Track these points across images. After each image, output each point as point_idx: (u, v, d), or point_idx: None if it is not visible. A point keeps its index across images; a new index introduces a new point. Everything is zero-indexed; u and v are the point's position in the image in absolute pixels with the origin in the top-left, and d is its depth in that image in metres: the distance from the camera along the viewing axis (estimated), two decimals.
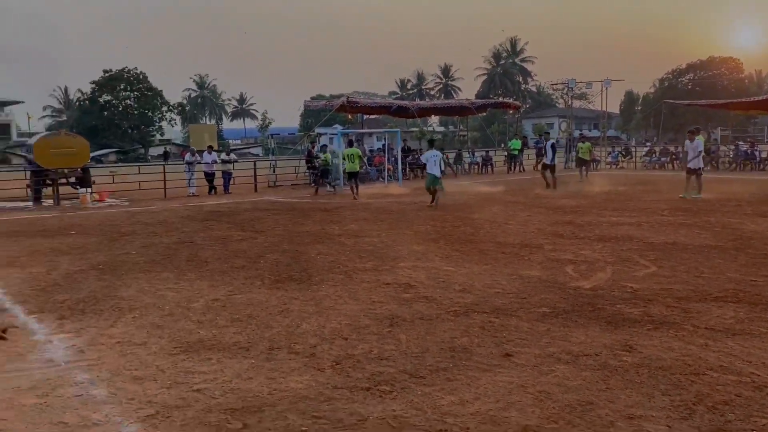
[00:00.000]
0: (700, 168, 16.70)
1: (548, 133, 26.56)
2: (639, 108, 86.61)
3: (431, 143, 18.72)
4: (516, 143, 33.37)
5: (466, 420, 3.84)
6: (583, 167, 24.63)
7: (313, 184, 23.59)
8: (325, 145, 26.34)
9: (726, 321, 5.73)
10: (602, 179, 23.71)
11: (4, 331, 6.67)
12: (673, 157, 31.33)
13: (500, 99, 61.78)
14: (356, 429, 3.77)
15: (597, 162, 32.75)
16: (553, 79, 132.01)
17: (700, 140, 17.44)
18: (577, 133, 39.16)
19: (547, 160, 21.18)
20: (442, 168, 16.78)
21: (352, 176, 19.62)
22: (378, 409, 4.03)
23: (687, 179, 16.84)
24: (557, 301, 6.52)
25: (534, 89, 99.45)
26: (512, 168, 32.27)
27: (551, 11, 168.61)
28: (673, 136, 59.00)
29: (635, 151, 35.85)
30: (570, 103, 43.34)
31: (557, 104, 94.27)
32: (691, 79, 77.95)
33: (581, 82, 37.58)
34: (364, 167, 26.76)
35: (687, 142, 17.25)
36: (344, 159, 20.19)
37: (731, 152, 30.46)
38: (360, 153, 20.55)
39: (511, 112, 44.34)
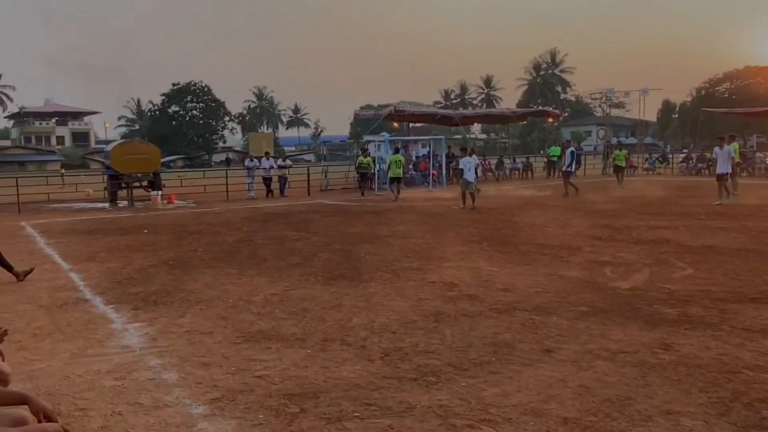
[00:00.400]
0: (727, 173, 15.94)
1: (569, 141, 25.85)
2: (676, 116, 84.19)
3: (464, 150, 19.54)
4: (555, 150, 32.83)
5: (509, 411, 3.82)
6: (620, 174, 23.91)
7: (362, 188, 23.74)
8: (365, 150, 26.39)
9: (762, 322, 5.53)
10: (639, 185, 23.16)
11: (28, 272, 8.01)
12: (710, 163, 30.32)
13: (540, 108, 60.88)
14: (404, 416, 3.78)
15: (634, 168, 31.98)
16: (591, 88, 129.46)
17: (731, 147, 16.60)
18: (614, 141, 38.31)
19: (565, 167, 20.55)
20: (477, 173, 17.46)
21: (395, 180, 20.33)
22: (425, 399, 4.04)
23: (719, 186, 16.06)
24: (596, 301, 6.41)
25: (573, 98, 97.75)
26: (551, 173, 31.77)
27: (590, 24, 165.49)
28: (709, 143, 57.06)
29: (672, 158, 34.86)
30: (608, 111, 42.39)
31: (595, 112, 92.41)
32: (727, 88, 75.36)
33: (619, 92, 36.72)
34: (409, 172, 26.94)
35: (716, 149, 16.48)
36: (391, 164, 20.77)
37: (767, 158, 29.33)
38: (404, 160, 20.98)
39: (550, 120, 43.58)
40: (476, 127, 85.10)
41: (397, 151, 21.91)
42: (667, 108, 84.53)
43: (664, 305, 6.17)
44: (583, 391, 4.09)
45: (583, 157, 35.27)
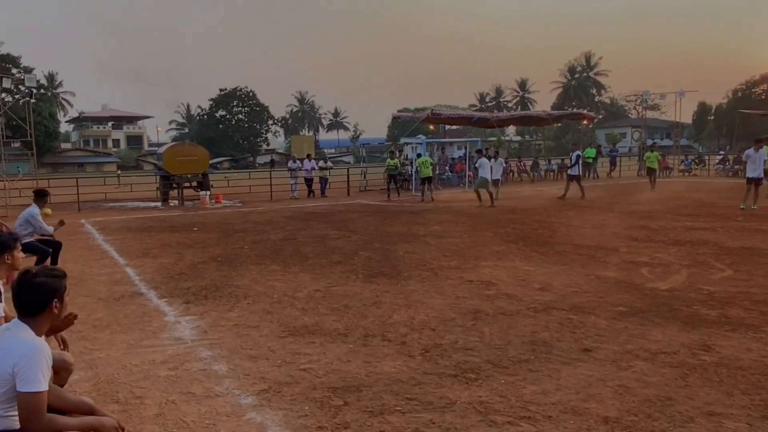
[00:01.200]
0: (761, 178, 14.48)
1: (576, 144, 24.96)
2: (711, 118, 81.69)
3: (479, 152, 19.66)
4: (591, 152, 32.20)
5: (548, 409, 3.74)
6: (652, 176, 22.76)
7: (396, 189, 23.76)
8: (392, 152, 26.41)
9: None
10: (675, 186, 22.53)
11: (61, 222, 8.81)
12: (743, 161, 29.37)
13: (575, 110, 59.78)
14: (445, 411, 3.75)
15: (670, 170, 31.14)
16: (626, 90, 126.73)
17: (765, 151, 15.07)
18: (650, 142, 37.37)
19: (572, 171, 19.59)
20: (500, 175, 19.03)
21: (426, 180, 20.22)
22: (465, 395, 3.99)
23: (747, 189, 14.60)
24: (634, 301, 6.24)
25: (607, 101, 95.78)
26: (587, 175, 31.17)
27: (625, 26, 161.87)
28: (745, 145, 55.25)
29: (708, 160, 33.83)
30: (643, 113, 41.33)
31: (630, 115, 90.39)
32: (764, 89, 72.75)
33: (655, 94, 35.82)
34: (446, 174, 26.95)
35: (750, 150, 15.00)
36: (419, 167, 20.84)
37: None
38: (431, 160, 21.13)
39: (584, 122, 42.78)
40: (511, 129, 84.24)
41: (420, 154, 22.57)
42: (702, 110, 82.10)
43: (703, 306, 5.97)
44: (623, 390, 3.99)
45: (618, 159, 34.58)
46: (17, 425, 2.65)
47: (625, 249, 9.35)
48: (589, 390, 4.01)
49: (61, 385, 3.43)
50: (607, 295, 6.54)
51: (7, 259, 3.87)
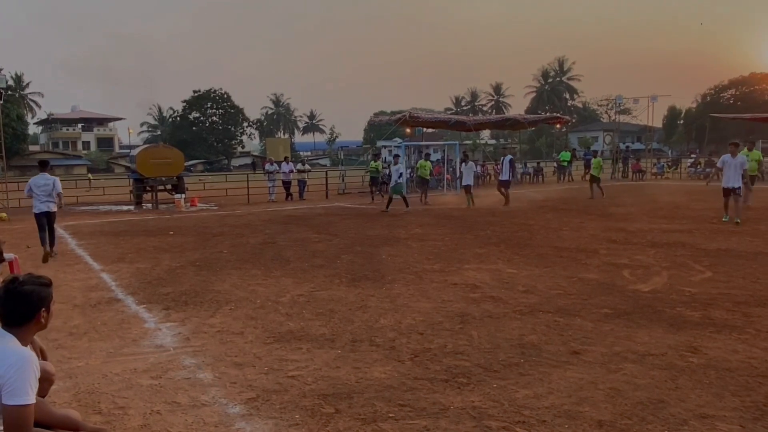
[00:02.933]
0: (739, 187, 12.35)
1: (505, 148, 24.85)
2: (681, 122, 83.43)
3: (397, 157, 19.13)
4: (565, 155, 32.64)
5: (542, 413, 3.72)
6: (594, 184, 20.32)
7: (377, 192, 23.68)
8: (375, 155, 26.55)
9: None
10: (649, 189, 22.90)
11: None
12: (718, 168, 30.04)
13: (550, 114, 60.48)
14: (439, 417, 3.70)
15: (642, 173, 31.66)
16: (597, 95, 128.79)
17: (744, 156, 13.34)
18: (623, 146, 37.98)
19: (503, 177, 18.52)
20: (470, 180, 18.62)
21: (422, 183, 20.44)
22: (458, 400, 3.95)
23: (725, 202, 12.58)
24: (618, 303, 6.28)
25: (580, 105, 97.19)
26: (561, 178, 31.56)
27: (597, 31, 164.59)
28: (714, 149, 56.57)
29: (680, 163, 34.50)
30: (616, 118, 42.02)
31: (601, 119, 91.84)
32: (733, 94, 74.57)
33: (628, 98, 36.39)
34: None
35: (726, 157, 12.74)
36: (419, 169, 21.20)
37: None
38: (431, 165, 21.19)
39: (558, 126, 43.31)
40: (485, 133, 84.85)
41: (428, 156, 22.54)
42: (672, 114, 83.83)
43: (686, 308, 6.03)
44: (615, 393, 3.98)
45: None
46: None
47: (604, 251, 9.43)
48: (581, 393, 4.00)
49: (43, 396, 3.29)
50: (590, 297, 6.57)
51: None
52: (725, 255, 8.91)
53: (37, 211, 10.46)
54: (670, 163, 33.91)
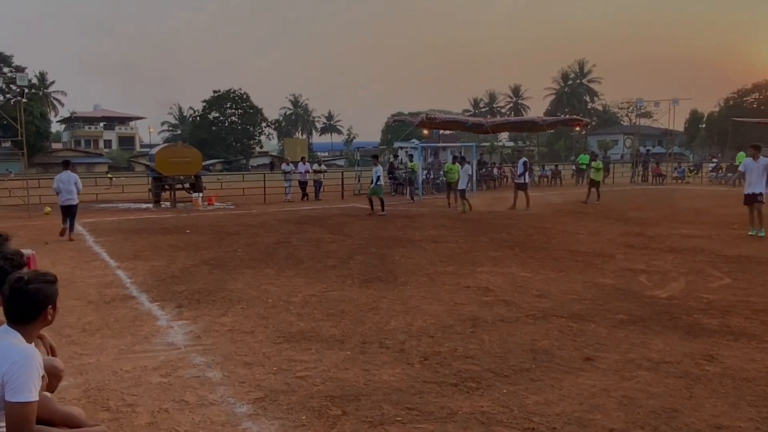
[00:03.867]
0: (762, 194, 11.27)
1: (519, 150, 24.11)
2: (703, 126, 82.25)
3: (376, 158, 18.52)
4: (584, 158, 32.28)
5: (552, 420, 3.65)
6: (593, 188, 19.83)
7: (394, 193, 23.65)
8: (411, 155, 26.27)
9: None
10: (669, 194, 22.58)
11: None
12: (741, 173, 29.58)
13: (569, 116, 59.98)
14: (447, 422, 3.65)
15: (663, 177, 31.26)
16: (618, 98, 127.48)
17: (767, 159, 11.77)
18: (643, 150, 37.50)
19: (519, 180, 18.18)
20: (465, 184, 17.55)
21: (449, 187, 18.94)
22: (466, 404, 3.90)
23: (750, 211, 11.46)
24: (633, 309, 6.17)
25: (600, 108, 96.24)
26: (580, 181, 31.23)
27: (618, 33, 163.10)
28: (736, 154, 55.67)
29: (701, 167, 33.99)
30: (636, 121, 41.50)
31: (622, 122, 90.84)
32: (756, 98, 73.30)
33: (648, 101, 35.94)
34: (440, 179, 26.52)
35: (748, 160, 11.74)
36: (447, 172, 19.54)
37: None
38: (459, 168, 18.48)
39: (578, 129, 42.85)
40: (504, 135, 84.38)
41: (455, 161, 19.83)
42: (694, 118, 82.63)
43: (703, 315, 5.91)
44: (628, 401, 3.90)
45: (611, 165, 34.65)
46: None
47: (621, 256, 9.29)
48: (593, 401, 3.93)
49: (51, 392, 3.31)
50: (606, 302, 6.47)
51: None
52: (745, 261, 8.73)
53: (62, 204, 12.44)
54: (691, 168, 33.37)
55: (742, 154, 27.98)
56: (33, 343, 2.70)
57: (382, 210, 16.55)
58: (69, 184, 12.45)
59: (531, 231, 12.41)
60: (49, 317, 2.69)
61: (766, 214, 11.34)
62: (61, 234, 12.17)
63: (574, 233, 12.04)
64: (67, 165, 12.83)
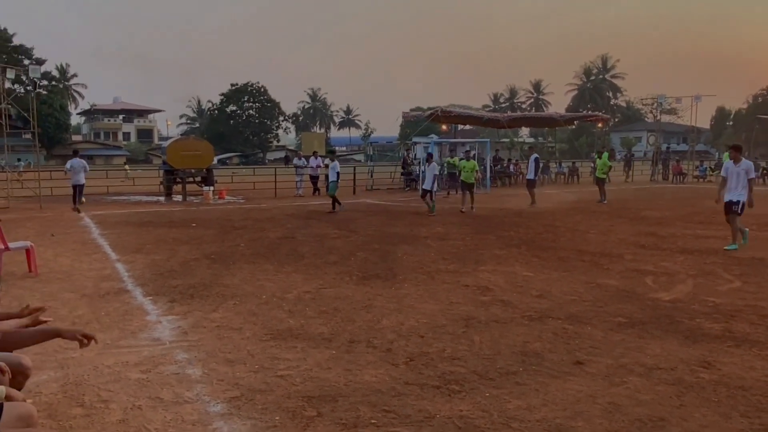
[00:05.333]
0: (738, 201, 9.74)
1: (531, 147, 23.53)
2: (730, 123, 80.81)
3: (332, 153, 18.29)
4: (604, 156, 31.83)
5: (532, 426, 3.56)
6: (601, 186, 19.22)
7: (406, 189, 23.53)
8: (453, 150, 25.57)
9: None
10: (689, 192, 22.17)
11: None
12: (765, 172, 28.91)
13: (589, 112, 59.25)
14: (422, 426, 3.57)
15: (684, 176, 30.72)
16: (642, 94, 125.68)
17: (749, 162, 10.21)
18: (665, 147, 36.90)
19: (529, 175, 18.24)
20: (430, 185, 15.71)
21: (467, 187, 16.54)
22: (446, 408, 3.81)
23: (732, 220, 9.92)
24: (634, 312, 6.03)
25: (623, 104, 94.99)
26: None
27: (643, 29, 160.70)
28: (764, 151, 54.55)
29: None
30: (659, 117, 40.86)
31: (646, 118, 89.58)
32: None
33: (671, 98, 35.30)
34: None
35: (729, 163, 10.13)
36: (462, 170, 17.25)
37: None
38: (476, 165, 17.04)
39: (599, 125, 42.32)
40: (524, 131, 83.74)
41: (468, 154, 18.47)
42: (721, 115, 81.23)
43: (707, 319, 5.75)
44: (613, 408, 3.79)
45: (632, 163, 34.16)
46: None
47: (630, 256, 9.11)
48: (576, 407, 3.82)
49: (18, 390, 3.29)
50: (606, 304, 6.33)
51: None
52: (759, 264, 8.50)
53: (73, 183, 16.84)
54: (713, 166, 32.73)
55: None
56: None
57: (334, 209, 16.17)
58: (78, 167, 16.81)
59: (540, 229, 12.24)
60: None
61: (740, 226, 9.92)
62: (76, 211, 15.91)
63: (584, 232, 11.85)
64: (75, 153, 17.80)
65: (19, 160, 32.40)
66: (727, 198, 9.98)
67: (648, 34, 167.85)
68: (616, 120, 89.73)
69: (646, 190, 22.46)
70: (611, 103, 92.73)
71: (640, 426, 3.55)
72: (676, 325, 5.56)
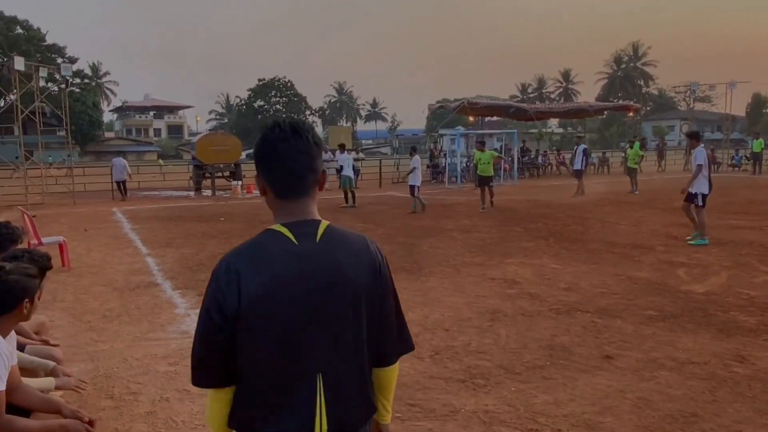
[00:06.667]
0: (696, 194, 9.42)
1: (580, 137, 23.11)
2: (767, 110, 78.49)
3: (342, 147, 17.65)
4: (635, 145, 31.22)
5: (559, 421, 3.50)
6: (633, 176, 18.71)
7: (433, 181, 23.36)
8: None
9: None
10: (723, 182, 21.58)
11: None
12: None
13: (620, 102, 58.13)
14: (447, 420, 3.55)
15: (718, 165, 29.96)
16: (675, 81, 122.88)
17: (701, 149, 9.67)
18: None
19: (576, 166, 18.08)
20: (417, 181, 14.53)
21: (484, 181, 14.57)
22: (471, 402, 3.78)
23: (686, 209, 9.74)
24: (665, 305, 5.89)
25: (655, 92, 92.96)
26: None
27: (675, 16, 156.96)
28: None
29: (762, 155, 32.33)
30: (692, 105, 39.89)
31: (679, 107, 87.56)
32: None
33: (704, 85, 34.40)
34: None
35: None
36: (477, 162, 15.18)
37: None
38: (494, 155, 15.50)
39: (630, 114, 41.53)
40: (554, 121, 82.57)
41: (483, 144, 15.97)
42: (756, 102, 78.86)
43: (741, 312, 5.59)
44: (643, 404, 3.71)
45: (665, 152, 33.41)
46: None
47: (662, 248, 8.92)
48: (605, 402, 3.75)
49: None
50: (637, 297, 6.20)
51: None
52: None
53: (116, 180, 19.32)
54: (748, 155, 31.80)
55: (760, 141, 26.41)
56: (7, 336, 2.72)
57: (348, 203, 15.77)
58: (121, 166, 19.48)
59: (569, 221, 12.06)
60: (25, 311, 2.69)
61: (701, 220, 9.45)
62: (122, 200, 18.85)
63: (615, 224, 11.63)
64: (119, 153, 21.60)
65: (50, 157, 33.17)
66: (695, 190, 9.48)
67: (681, 20, 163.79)
68: (648, 108, 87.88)
69: (679, 179, 21.82)
70: (643, 91, 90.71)
71: (671, 422, 3.47)
72: (710, 318, 5.42)
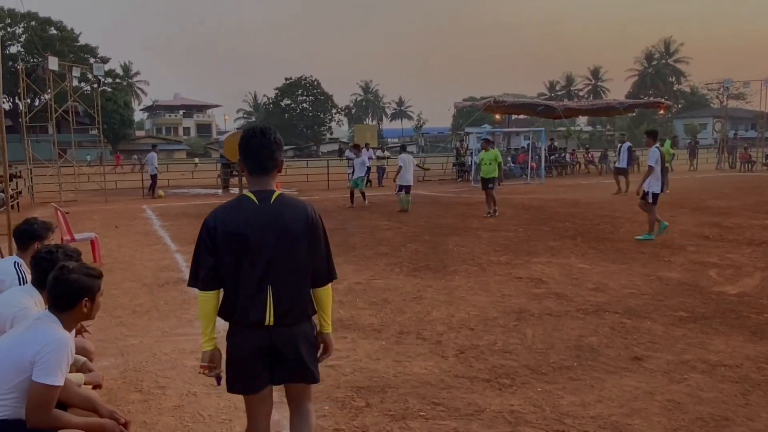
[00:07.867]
0: (647, 193, 9.78)
1: (623, 134, 22.77)
2: None
3: (359, 146, 17.04)
4: (666, 143, 30.64)
5: (585, 423, 3.45)
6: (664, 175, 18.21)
7: (458, 180, 23.24)
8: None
9: None
10: (757, 181, 21.07)
11: None
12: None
13: (650, 99, 57.06)
14: (472, 420, 3.52)
15: (753, 163, 29.24)
16: (708, 78, 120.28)
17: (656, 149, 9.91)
18: (732, 134, 35.19)
19: (620, 164, 18.17)
20: (410, 180, 14.21)
21: (485, 183, 13.25)
22: (496, 402, 3.75)
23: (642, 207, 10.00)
24: (696, 306, 5.77)
25: (687, 89, 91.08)
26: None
27: (708, 11, 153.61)
28: None
29: None
30: (725, 103, 39.00)
31: (712, 104, 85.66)
32: None
33: (738, 82, 33.57)
34: (507, 165, 25.13)
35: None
36: (481, 163, 13.89)
37: None
38: (498, 156, 13.67)
39: (661, 112, 40.75)
40: (582, 119, 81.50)
41: (489, 143, 14.19)
42: None
43: None
44: (673, 406, 3.64)
45: (696, 151, 32.75)
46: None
47: (693, 248, 8.73)
48: (634, 404, 3.69)
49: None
50: (667, 298, 6.08)
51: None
52: None
53: (151, 173, 19.78)
54: None
55: None
56: (71, 332, 2.80)
57: (356, 201, 15.35)
58: (153, 160, 19.96)
59: (597, 220, 11.89)
60: (85, 309, 2.77)
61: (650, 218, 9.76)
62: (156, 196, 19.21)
63: (644, 223, 11.37)
64: (154, 147, 21.34)
65: (88, 155, 33.91)
66: (652, 187, 9.88)
67: (713, 15, 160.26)
68: (680, 106, 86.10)
69: (711, 179, 21.47)
70: (674, 88, 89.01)
71: (702, 425, 3.40)
72: (743, 320, 5.29)
